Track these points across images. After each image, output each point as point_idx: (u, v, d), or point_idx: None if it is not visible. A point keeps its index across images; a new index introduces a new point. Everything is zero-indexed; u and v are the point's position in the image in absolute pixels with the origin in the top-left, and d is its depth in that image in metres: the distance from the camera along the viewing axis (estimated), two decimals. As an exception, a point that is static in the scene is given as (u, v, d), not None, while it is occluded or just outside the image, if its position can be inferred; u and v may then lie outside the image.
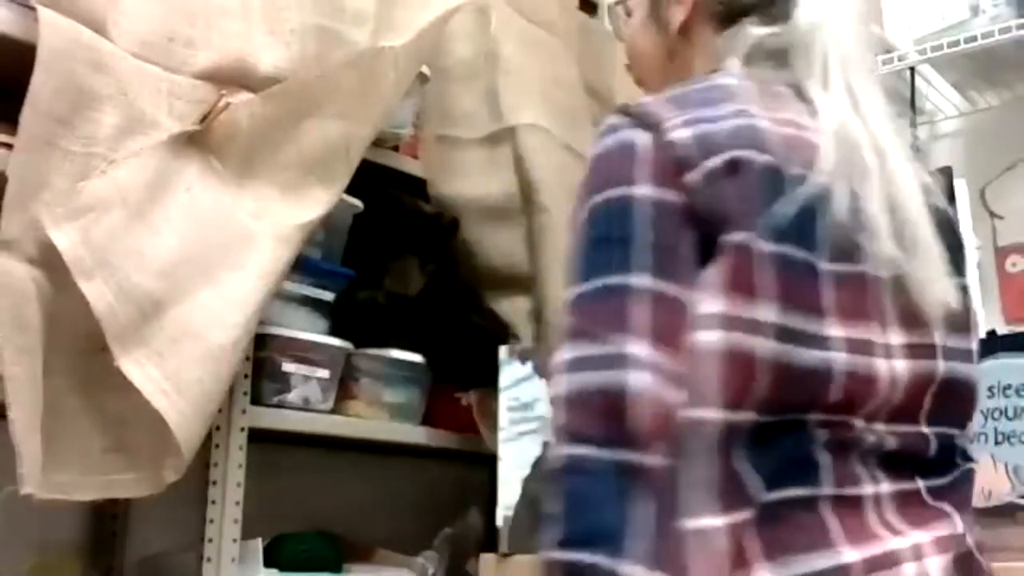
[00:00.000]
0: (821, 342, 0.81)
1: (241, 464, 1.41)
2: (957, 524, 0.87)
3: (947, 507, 0.88)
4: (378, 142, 1.59)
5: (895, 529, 0.83)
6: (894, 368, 0.85)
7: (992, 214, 1.71)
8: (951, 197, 1.46)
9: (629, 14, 1.13)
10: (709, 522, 0.78)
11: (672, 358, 0.79)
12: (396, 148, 1.71)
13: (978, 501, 1.22)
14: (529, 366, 1.54)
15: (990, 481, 1.23)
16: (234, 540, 1.38)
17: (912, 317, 0.87)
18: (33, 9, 1.17)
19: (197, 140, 1.30)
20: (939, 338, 0.89)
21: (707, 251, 0.81)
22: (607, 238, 0.82)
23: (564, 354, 0.81)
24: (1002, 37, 1.51)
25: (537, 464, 1.48)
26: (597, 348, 0.79)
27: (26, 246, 1.13)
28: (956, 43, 1.54)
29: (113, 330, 1.16)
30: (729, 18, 1.00)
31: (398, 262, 1.71)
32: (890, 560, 0.80)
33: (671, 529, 0.77)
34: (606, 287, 0.81)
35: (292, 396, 1.50)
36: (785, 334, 0.80)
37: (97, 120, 1.19)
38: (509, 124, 1.79)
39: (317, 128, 1.40)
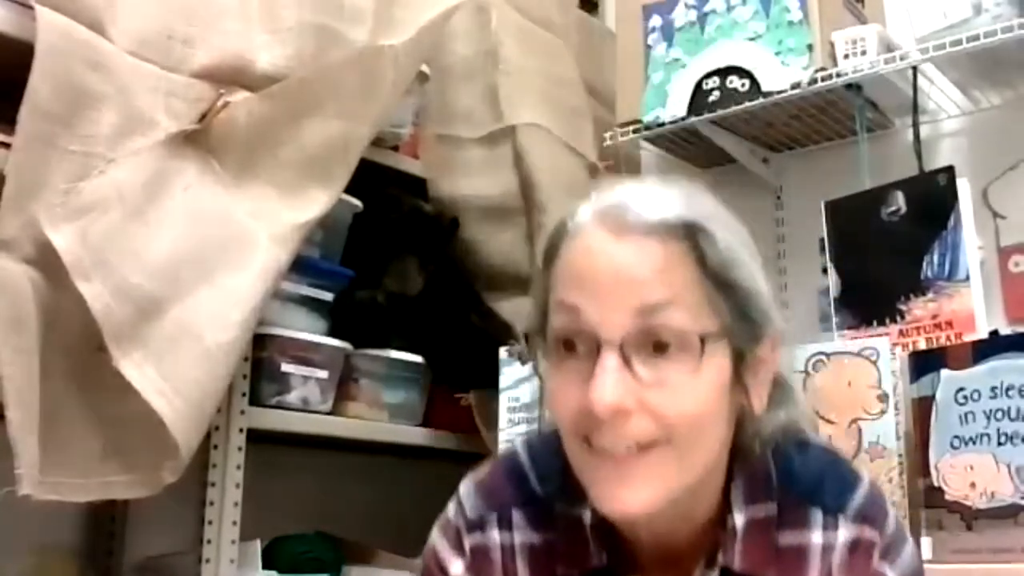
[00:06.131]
0: None
1: (240, 465, 1.40)
2: None
3: None
4: (378, 141, 1.58)
5: None
6: None
7: (995, 214, 1.70)
8: (954, 197, 1.46)
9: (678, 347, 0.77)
10: None
11: None
12: (396, 147, 1.71)
13: (980, 502, 1.22)
14: (529, 367, 1.54)
15: (992, 482, 1.22)
16: (232, 541, 1.38)
17: None
18: (31, 8, 1.17)
19: (195, 139, 1.30)
20: None
21: None
22: None
23: None
24: (1005, 36, 1.49)
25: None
26: None
27: (23, 246, 1.12)
28: (959, 42, 1.53)
29: (110, 330, 1.16)
30: None
31: (398, 262, 1.70)
32: None
33: None
34: None
35: (291, 397, 1.49)
36: None
37: (95, 119, 1.18)
38: (509, 123, 1.78)
39: (316, 127, 1.39)
